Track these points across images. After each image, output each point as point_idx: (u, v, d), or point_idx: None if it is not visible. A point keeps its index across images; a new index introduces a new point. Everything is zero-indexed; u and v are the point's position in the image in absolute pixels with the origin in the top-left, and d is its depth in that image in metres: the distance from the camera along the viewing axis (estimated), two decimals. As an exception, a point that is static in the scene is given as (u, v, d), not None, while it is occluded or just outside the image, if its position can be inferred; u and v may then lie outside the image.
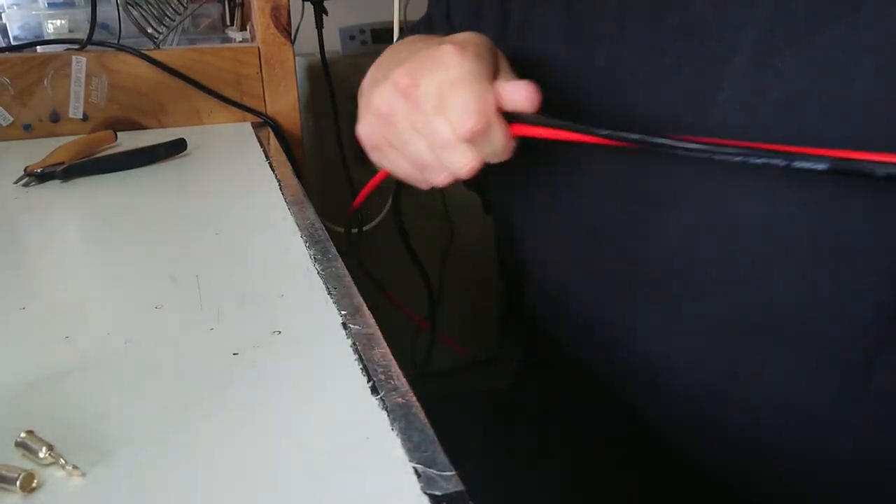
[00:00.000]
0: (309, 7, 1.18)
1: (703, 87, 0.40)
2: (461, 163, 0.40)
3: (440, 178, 0.42)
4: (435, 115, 0.39)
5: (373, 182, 0.52)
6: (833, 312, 0.37)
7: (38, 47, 0.86)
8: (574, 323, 0.52)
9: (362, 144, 0.45)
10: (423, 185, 0.45)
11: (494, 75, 0.40)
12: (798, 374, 0.39)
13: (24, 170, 0.64)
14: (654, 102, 0.43)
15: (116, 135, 0.76)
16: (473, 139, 0.39)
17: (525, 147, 0.55)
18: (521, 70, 0.54)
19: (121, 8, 0.89)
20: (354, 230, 1.21)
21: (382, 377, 0.34)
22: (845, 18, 0.35)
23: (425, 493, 0.26)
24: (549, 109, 0.50)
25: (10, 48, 0.85)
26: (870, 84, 0.34)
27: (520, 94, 0.39)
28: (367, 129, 0.44)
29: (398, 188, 0.57)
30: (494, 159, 0.41)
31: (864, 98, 0.35)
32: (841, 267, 0.37)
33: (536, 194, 0.54)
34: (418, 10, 1.35)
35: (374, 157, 0.46)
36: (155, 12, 0.90)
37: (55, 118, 0.81)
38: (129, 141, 0.76)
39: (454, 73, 0.39)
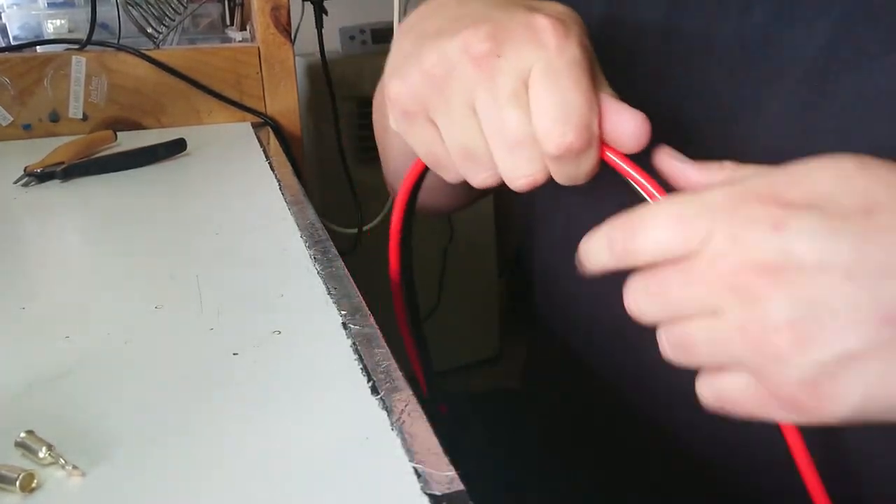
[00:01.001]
0: (309, 7, 1.18)
1: (755, 99, 0.38)
2: (523, 173, 0.31)
3: (480, 178, 0.33)
4: (509, 103, 0.30)
5: (409, 178, 0.40)
6: None
7: (37, 47, 0.86)
8: (596, 333, 0.50)
9: (389, 104, 0.35)
10: (452, 178, 0.35)
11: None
12: None
13: (24, 170, 0.64)
14: (704, 109, 0.41)
15: (116, 135, 0.76)
16: (563, 157, 0.31)
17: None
18: None
19: (121, 8, 0.89)
20: (355, 229, 1.21)
21: (382, 377, 0.34)
22: None
23: (425, 493, 0.26)
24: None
25: (9, 48, 0.85)
26: None
27: (627, 128, 0.31)
28: (406, 89, 0.33)
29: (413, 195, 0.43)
30: (563, 181, 0.33)
31: None
32: None
33: (560, 209, 0.53)
34: (418, 10, 1.35)
35: (401, 125, 0.35)
36: (155, 12, 0.90)
37: (55, 118, 0.81)
38: (128, 141, 0.76)
39: (555, 58, 0.30)
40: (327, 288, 0.43)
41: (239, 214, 0.57)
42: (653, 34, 0.44)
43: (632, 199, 0.45)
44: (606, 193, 0.47)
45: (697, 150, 0.42)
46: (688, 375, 0.43)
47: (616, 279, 0.47)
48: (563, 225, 0.54)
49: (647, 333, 0.45)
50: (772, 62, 0.38)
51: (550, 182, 0.58)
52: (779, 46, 0.37)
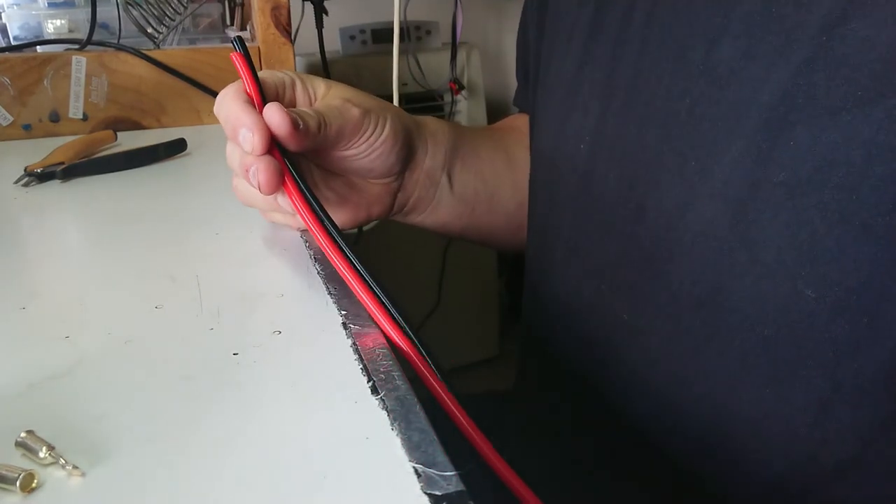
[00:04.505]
0: (309, 7, 1.18)
1: (713, 139, 0.37)
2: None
3: None
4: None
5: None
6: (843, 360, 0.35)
7: (37, 47, 0.86)
8: (587, 350, 0.51)
9: None
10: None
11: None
12: (811, 422, 0.37)
13: (24, 170, 0.64)
14: (666, 139, 0.40)
15: (116, 135, 0.76)
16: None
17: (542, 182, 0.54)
18: (542, 101, 0.54)
19: (121, 8, 0.89)
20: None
21: (382, 377, 0.34)
22: (863, 108, 0.31)
23: (425, 493, 0.26)
24: (567, 135, 0.50)
25: (9, 48, 0.84)
26: (877, 191, 0.31)
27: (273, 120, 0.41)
28: None
29: None
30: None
31: (867, 204, 0.31)
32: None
33: (552, 224, 0.53)
34: (418, 9, 1.35)
35: None
36: (155, 12, 0.90)
37: (55, 118, 0.81)
38: (129, 141, 0.76)
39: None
40: (327, 288, 0.43)
41: (239, 214, 0.57)
42: (629, 49, 0.44)
43: (620, 244, 0.46)
44: (599, 240, 0.47)
45: (651, 179, 0.42)
46: (674, 378, 0.43)
47: (603, 285, 0.47)
48: (545, 231, 0.55)
49: (633, 335, 0.45)
50: (734, 101, 0.37)
51: (539, 189, 0.59)
52: (741, 84, 0.36)
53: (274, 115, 0.41)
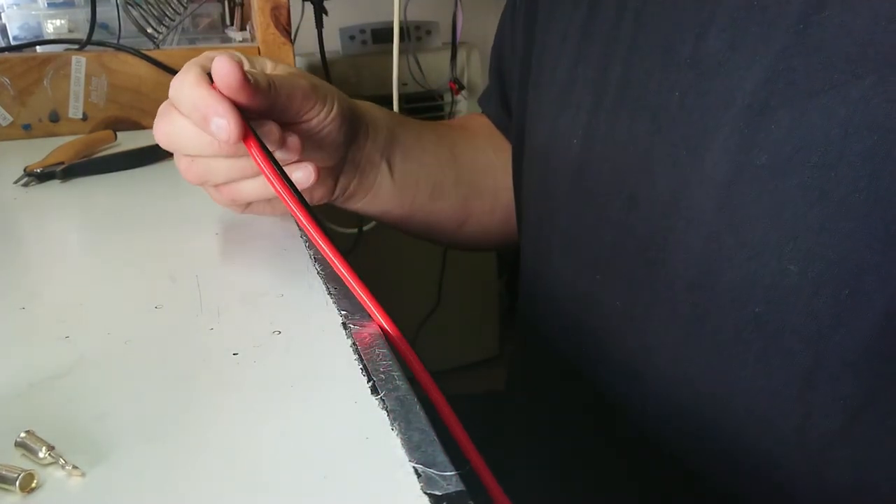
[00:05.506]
0: (309, 7, 1.18)
1: (702, 128, 0.39)
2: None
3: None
4: None
5: None
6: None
7: (37, 47, 0.86)
8: (584, 342, 0.51)
9: None
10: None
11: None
12: (796, 396, 0.37)
13: (24, 170, 0.64)
14: (657, 137, 0.41)
15: (116, 135, 0.76)
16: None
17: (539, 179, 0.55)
18: (535, 101, 0.55)
19: (121, 8, 0.89)
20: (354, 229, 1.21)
21: (382, 377, 0.34)
22: (840, 89, 0.33)
23: (425, 493, 0.26)
24: (559, 133, 0.50)
25: (9, 48, 0.84)
26: (854, 168, 0.32)
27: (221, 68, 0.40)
28: None
29: None
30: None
31: (844, 181, 0.33)
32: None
33: (547, 219, 0.54)
34: (418, 10, 1.35)
35: None
36: (155, 12, 0.90)
37: (55, 118, 0.81)
38: (129, 141, 0.76)
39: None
40: (327, 288, 0.43)
41: (239, 214, 0.57)
42: (619, 46, 0.45)
43: (617, 235, 0.46)
44: (596, 230, 0.47)
45: (643, 170, 0.43)
46: (670, 367, 0.43)
47: (599, 275, 0.48)
48: (541, 227, 0.55)
49: (629, 324, 0.45)
50: (721, 90, 0.38)
51: (534, 185, 0.60)
52: (727, 75, 0.38)
53: (224, 64, 0.40)
